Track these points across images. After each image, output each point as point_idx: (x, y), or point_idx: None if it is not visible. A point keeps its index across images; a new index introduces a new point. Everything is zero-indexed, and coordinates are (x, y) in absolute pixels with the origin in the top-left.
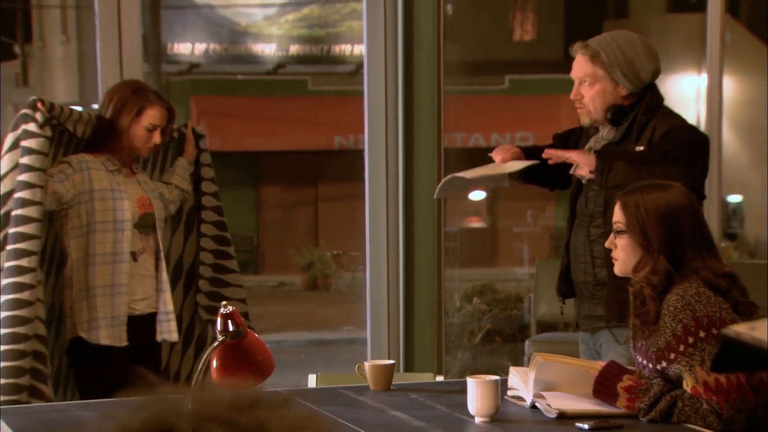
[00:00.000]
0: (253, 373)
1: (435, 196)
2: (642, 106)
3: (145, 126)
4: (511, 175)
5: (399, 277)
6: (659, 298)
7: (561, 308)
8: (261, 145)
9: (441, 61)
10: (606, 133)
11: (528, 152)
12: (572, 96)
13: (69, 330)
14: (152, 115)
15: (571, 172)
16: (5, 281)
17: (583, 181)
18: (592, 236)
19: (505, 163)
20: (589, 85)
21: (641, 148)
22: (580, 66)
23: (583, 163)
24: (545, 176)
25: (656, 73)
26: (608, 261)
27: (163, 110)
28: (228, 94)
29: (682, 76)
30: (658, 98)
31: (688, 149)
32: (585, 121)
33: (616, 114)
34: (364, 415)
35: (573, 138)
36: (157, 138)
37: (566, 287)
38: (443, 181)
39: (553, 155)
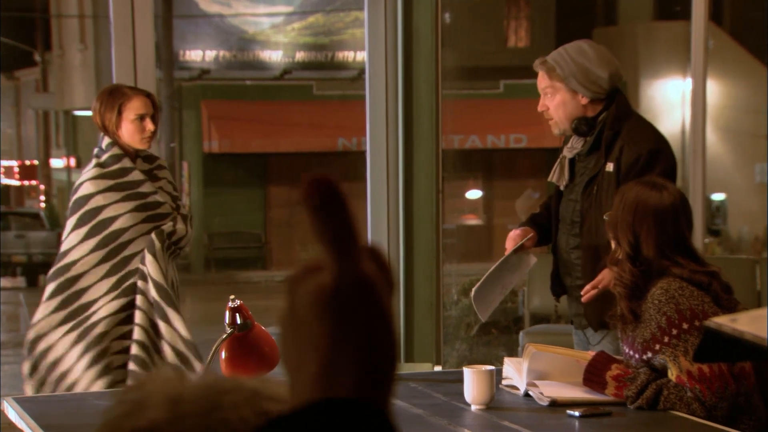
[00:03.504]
0: (261, 364)
1: (483, 319)
2: (608, 119)
3: (132, 119)
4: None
5: (399, 272)
6: (630, 297)
7: (555, 306)
8: (268, 147)
9: (439, 66)
10: (575, 143)
11: (532, 223)
12: (539, 108)
13: None
14: (134, 107)
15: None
16: None
17: (561, 188)
18: (571, 245)
19: (510, 257)
20: (550, 97)
21: (611, 165)
22: (541, 80)
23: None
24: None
25: (614, 77)
26: (588, 269)
27: (143, 98)
28: (237, 99)
29: (668, 81)
30: (624, 109)
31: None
32: (555, 130)
33: (580, 125)
34: None
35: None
36: (150, 125)
37: (558, 287)
38: (476, 304)
39: (590, 293)
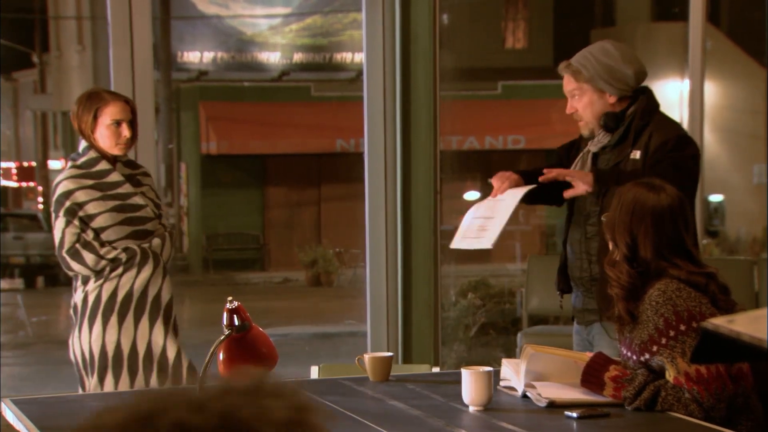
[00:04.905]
0: (258, 365)
1: (452, 246)
2: (638, 111)
3: (107, 124)
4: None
5: (397, 274)
6: (628, 298)
7: (560, 303)
8: (266, 148)
9: (437, 67)
10: (602, 138)
11: (526, 175)
12: (567, 111)
13: None
14: (110, 112)
15: (566, 196)
16: None
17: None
18: (588, 234)
19: (505, 199)
20: (578, 99)
21: (638, 152)
22: (567, 83)
23: (581, 182)
24: (549, 195)
25: (639, 74)
26: (603, 258)
27: (121, 104)
28: (235, 100)
29: (666, 82)
30: (653, 103)
31: (682, 172)
32: (584, 131)
33: (608, 120)
34: (363, 404)
35: (574, 148)
36: (125, 132)
37: (564, 283)
38: (459, 243)
39: (551, 175)
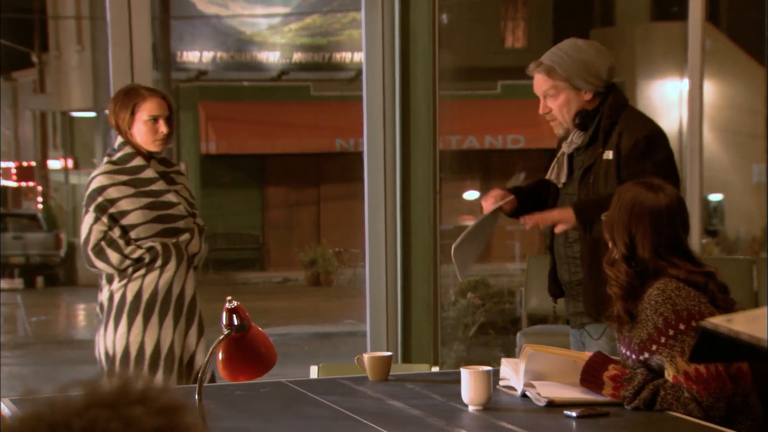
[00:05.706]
0: (257, 366)
1: (461, 279)
2: (605, 110)
3: (144, 120)
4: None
5: (397, 273)
6: (626, 297)
7: (554, 307)
8: (266, 148)
9: (436, 67)
10: (575, 138)
11: (518, 191)
12: (541, 111)
13: None
14: (148, 108)
15: (557, 232)
16: None
17: (559, 185)
18: (571, 238)
19: (486, 214)
20: (553, 98)
21: (610, 152)
22: (540, 83)
23: (563, 222)
24: (532, 210)
25: (612, 69)
26: (586, 261)
27: (158, 100)
28: (234, 100)
29: (665, 81)
30: (621, 99)
31: (660, 166)
32: (559, 131)
33: (583, 119)
34: (362, 404)
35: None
36: (163, 128)
37: (555, 287)
38: (457, 262)
39: (534, 222)
